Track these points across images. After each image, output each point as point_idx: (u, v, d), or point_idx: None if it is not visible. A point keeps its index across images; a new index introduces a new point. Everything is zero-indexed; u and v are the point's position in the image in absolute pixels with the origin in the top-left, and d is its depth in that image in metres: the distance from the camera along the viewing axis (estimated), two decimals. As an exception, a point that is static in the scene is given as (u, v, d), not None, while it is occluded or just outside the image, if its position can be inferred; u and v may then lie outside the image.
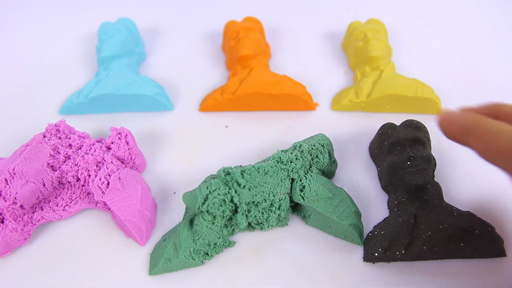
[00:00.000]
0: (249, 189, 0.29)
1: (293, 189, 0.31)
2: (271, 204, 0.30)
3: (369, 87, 0.40)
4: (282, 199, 0.31)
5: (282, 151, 0.34)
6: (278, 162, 0.30)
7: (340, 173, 0.36)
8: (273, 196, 0.30)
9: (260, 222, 0.31)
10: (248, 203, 0.29)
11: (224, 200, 0.28)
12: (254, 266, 0.30)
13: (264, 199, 0.30)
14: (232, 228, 0.31)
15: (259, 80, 0.40)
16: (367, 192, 0.35)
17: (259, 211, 0.30)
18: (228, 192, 0.28)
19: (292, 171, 0.31)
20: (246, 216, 0.29)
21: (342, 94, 0.42)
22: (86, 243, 0.31)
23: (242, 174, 0.28)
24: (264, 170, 0.29)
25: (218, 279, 0.30)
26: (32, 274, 0.30)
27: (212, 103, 0.40)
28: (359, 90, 0.41)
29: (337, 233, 0.31)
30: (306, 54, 0.49)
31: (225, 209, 0.28)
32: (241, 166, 0.31)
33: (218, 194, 0.28)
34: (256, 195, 0.29)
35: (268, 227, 0.31)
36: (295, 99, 0.40)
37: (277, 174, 0.30)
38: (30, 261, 0.30)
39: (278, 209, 0.31)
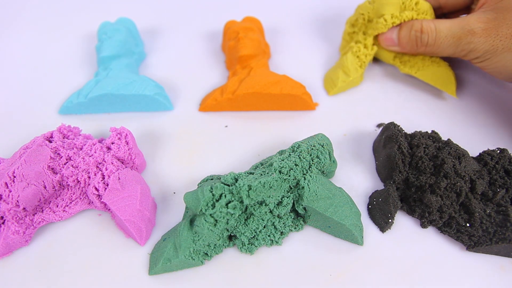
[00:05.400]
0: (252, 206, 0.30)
1: (293, 196, 0.31)
2: (272, 220, 0.31)
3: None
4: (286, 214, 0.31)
5: (281, 151, 0.34)
6: (280, 173, 0.30)
7: (340, 173, 0.36)
8: (275, 209, 0.31)
9: (257, 235, 0.31)
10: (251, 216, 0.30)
11: (231, 214, 0.28)
12: (254, 266, 0.30)
13: (265, 213, 0.30)
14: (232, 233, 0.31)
15: (258, 80, 0.40)
16: (367, 192, 0.35)
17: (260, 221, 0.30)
18: (236, 206, 0.28)
19: (292, 181, 0.31)
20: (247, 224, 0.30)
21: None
22: (86, 243, 0.31)
23: (248, 191, 0.28)
24: (270, 184, 0.29)
25: (218, 279, 0.30)
26: (32, 274, 0.30)
27: (212, 103, 0.40)
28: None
29: (337, 233, 0.31)
30: (306, 54, 0.49)
31: (230, 219, 0.29)
32: (246, 173, 0.31)
33: (227, 206, 0.28)
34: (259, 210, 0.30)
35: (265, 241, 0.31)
36: (295, 99, 0.40)
37: (281, 186, 0.30)
38: (30, 261, 0.30)
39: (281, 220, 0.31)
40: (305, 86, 0.42)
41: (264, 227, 0.31)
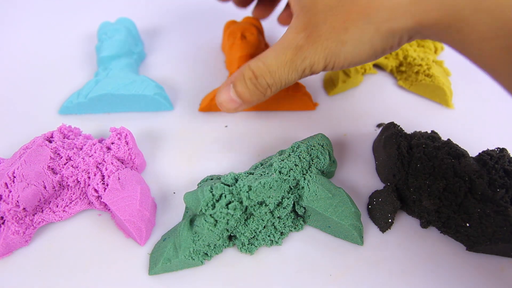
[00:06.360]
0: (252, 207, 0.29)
1: (294, 198, 0.31)
2: (271, 219, 0.31)
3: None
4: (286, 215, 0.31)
5: (281, 151, 0.34)
6: (280, 173, 0.30)
7: (340, 173, 0.36)
8: (275, 209, 0.31)
9: (256, 235, 0.31)
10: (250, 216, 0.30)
11: (232, 215, 0.28)
12: (254, 266, 0.30)
13: (265, 213, 0.30)
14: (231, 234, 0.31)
15: None
16: (367, 192, 0.35)
17: (260, 221, 0.30)
18: (236, 207, 0.28)
19: (291, 181, 0.31)
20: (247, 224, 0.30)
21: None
22: (85, 243, 0.31)
23: (248, 192, 0.28)
24: (270, 185, 0.29)
25: (218, 279, 0.30)
26: (32, 274, 0.30)
27: (212, 103, 0.40)
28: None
29: (337, 233, 0.31)
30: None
31: (230, 219, 0.29)
32: (246, 174, 0.31)
33: (227, 207, 0.28)
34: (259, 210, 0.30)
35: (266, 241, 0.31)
36: (295, 99, 0.40)
37: (281, 186, 0.30)
38: (30, 261, 0.30)
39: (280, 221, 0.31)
40: (305, 86, 0.42)
41: (264, 227, 0.31)
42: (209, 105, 0.41)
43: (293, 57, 0.29)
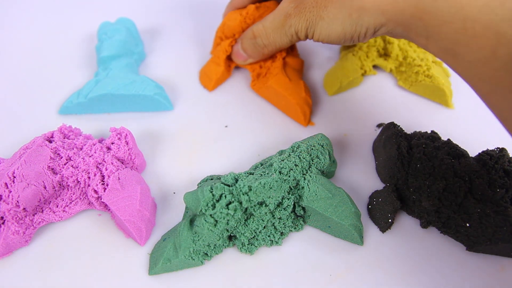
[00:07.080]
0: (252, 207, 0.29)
1: (294, 198, 0.31)
2: (272, 219, 0.31)
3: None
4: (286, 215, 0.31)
5: (281, 151, 0.34)
6: (280, 173, 0.30)
7: (340, 173, 0.36)
8: (275, 210, 0.31)
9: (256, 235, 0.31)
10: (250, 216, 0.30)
11: (232, 215, 0.28)
12: (253, 266, 0.30)
13: (265, 214, 0.30)
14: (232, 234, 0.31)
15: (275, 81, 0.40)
16: (367, 192, 0.35)
17: (260, 221, 0.30)
18: (236, 208, 0.28)
19: (291, 181, 0.31)
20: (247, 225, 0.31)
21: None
22: (85, 243, 0.31)
23: (247, 193, 0.28)
24: (270, 185, 0.29)
25: (218, 279, 0.30)
26: (32, 274, 0.30)
27: (218, 77, 0.42)
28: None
29: (337, 233, 0.31)
30: (306, 54, 0.48)
31: (230, 219, 0.29)
32: (246, 174, 0.31)
33: (228, 207, 0.28)
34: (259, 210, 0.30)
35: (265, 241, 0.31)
36: (291, 106, 0.39)
37: (281, 186, 0.30)
38: (30, 261, 0.30)
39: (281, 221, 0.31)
40: (311, 102, 0.41)
41: (264, 227, 0.31)
42: (216, 82, 0.43)
43: (283, 23, 0.34)
